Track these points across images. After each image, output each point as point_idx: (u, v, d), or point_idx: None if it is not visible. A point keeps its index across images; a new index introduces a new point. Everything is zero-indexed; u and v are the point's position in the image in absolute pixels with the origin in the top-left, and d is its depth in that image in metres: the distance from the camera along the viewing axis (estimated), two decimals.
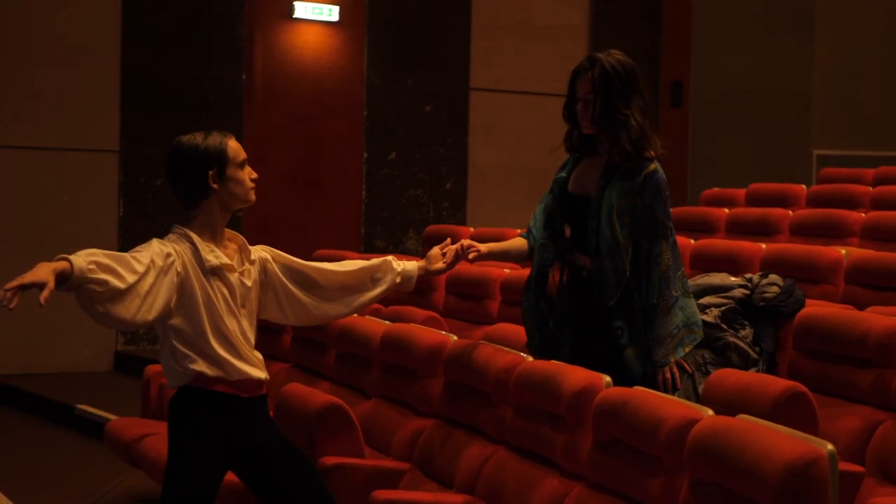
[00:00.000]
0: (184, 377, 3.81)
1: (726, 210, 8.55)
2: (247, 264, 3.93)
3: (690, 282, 4.86)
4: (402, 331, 5.15)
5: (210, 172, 3.82)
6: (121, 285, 3.56)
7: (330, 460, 4.58)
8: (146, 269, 3.65)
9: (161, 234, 3.93)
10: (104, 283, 3.52)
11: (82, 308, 3.57)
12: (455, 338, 4.88)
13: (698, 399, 4.28)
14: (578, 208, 4.39)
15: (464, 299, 6.86)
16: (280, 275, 4.03)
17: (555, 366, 4.12)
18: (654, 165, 4.29)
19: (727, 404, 4.04)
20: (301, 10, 10.99)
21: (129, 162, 10.28)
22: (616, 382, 4.01)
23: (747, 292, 4.83)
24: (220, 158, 3.84)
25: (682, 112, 12.68)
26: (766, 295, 4.84)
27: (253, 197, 3.93)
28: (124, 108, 10.29)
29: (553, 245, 4.46)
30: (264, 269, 4.01)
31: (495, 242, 4.61)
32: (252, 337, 3.94)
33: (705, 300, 4.78)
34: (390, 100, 11.36)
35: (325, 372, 5.87)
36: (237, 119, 10.72)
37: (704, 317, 4.64)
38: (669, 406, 3.52)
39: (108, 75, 10.26)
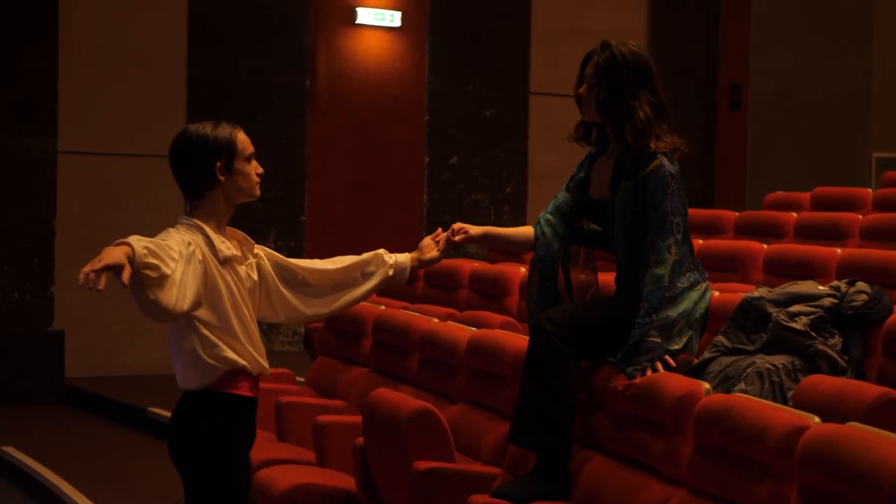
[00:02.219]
0: (213, 372, 3.70)
1: (794, 214, 8.55)
2: (251, 258, 3.88)
3: (779, 290, 4.88)
4: (490, 337, 5.20)
5: (218, 164, 3.75)
6: (167, 271, 3.51)
7: (423, 465, 4.62)
8: (179, 257, 3.58)
9: None
10: (157, 267, 3.47)
11: (133, 294, 3.49)
12: None
13: (787, 405, 4.30)
14: (599, 212, 4.46)
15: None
16: (272, 274, 3.96)
17: (651, 374, 4.16)
18: (660, 160, 4.25)
19: (820, 410, 4.05)
20: (364, 16, 11.09)
21: None
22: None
23: (836, 301, 4.84)
24: (228, 150, 3.78)
25: (741, 115, 12.68)
26: (855, 303, 4.84)
27: (258, 192, 3.86)
28: (190, 113, 10.41)
29: (560, 241, 4.52)
30: (259, 268, 3.94)
31: (503, 228, 4.62)
32: (258, 331, 3.86)
33: (794, 308, 4.79)
34: (451, 105, 11.43)
35: (407, 377, 5.92)
36: (301, 124, 10.83)
37: (794, 324, 4.66)
38: (775, 413, 3.56)
39: (174, 81, 10.40)
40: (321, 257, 11.35)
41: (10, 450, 7.99)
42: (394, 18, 11.19)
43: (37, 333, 9.76)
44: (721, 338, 4.90)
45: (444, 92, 11.45)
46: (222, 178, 3.75)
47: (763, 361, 4.59)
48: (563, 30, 12.02)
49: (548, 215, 4.60)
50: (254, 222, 10.05)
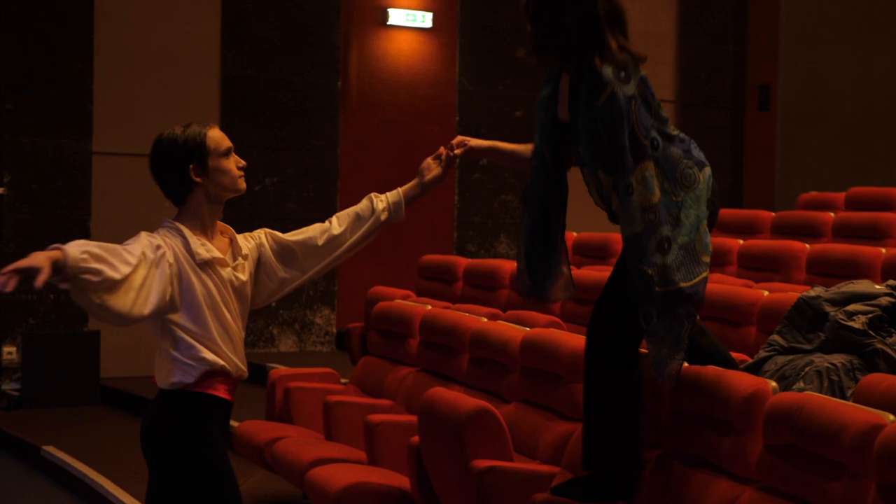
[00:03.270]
0: (193, 371, 3.66)
1: (831, 214, 8.55)
2: (240, 259, 3.82)
3: (834, 289, 4.88)
4: (545, 336, 5.21)
5: (191, 166, 3.70)
6: (116, 276, 3.44)
7: (481, 463, 4.63)
8: (138, 262, 3.53)
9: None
10: (98, 272, 3.40)
11: (78, 301, 3.44)
12: None
13: None
14: (568, 134, 4.16)
15: (582, 304, 6.92)
16: (273, 259, 3.91)
17: (718, 371, 4.17)
18: (610, 89, 3.89)
19: (883, 408, 4.06)
20: (395, 17, 11.11)
21: None
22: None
23: (893, 300, 4.85)
24: (199, 151, 3.71)
25: (770, 116, 12.67)
26: None
27: (242, 185, 3.79)
28: (223, 114, 10.45)
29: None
30: (259, 257, 3.90)
31: (510, 143, 4.39)
32: (243, 334, 3.83)
33: (852, 307, 4.80)
34: (482, 105, 11.45)
35: (456, 376, 5.94)
36: (334, 125, 10.85)
37: (852, 323, 4.67)
38: (849, 411, 3.57)
39: (207, 83, 10.44)
40: (353, 257, 11.36)
41: (51, 449, 8.02)
42: (425, 19, 11.21)
43: (73, 334, 9.80)
44: (776, 337, 4.91)
45: (474, 92, 11.47)
46: (199, 179, 3.72)
47: (821, 360, 4.60)
48: None
49: (536, 136, 4.33)
50: (286, 223, 10.07)
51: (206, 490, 3.71)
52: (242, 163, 3.81)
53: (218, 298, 3.71)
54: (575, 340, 5.01)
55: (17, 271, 3.21)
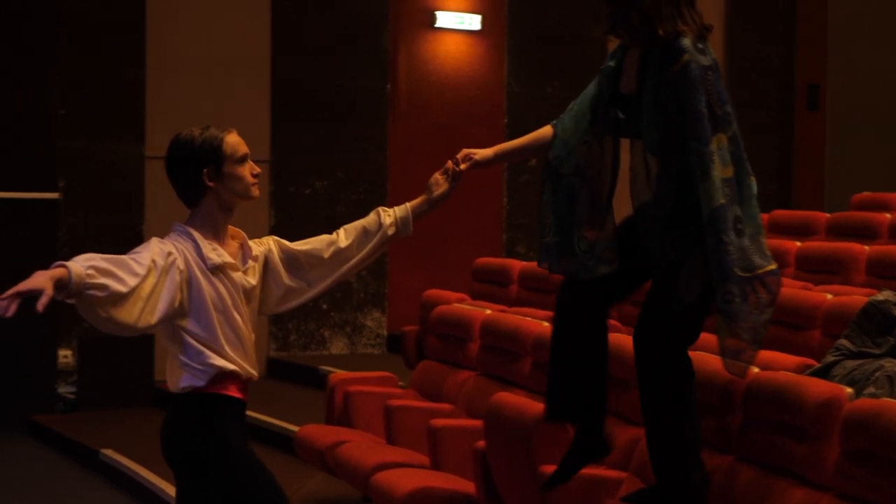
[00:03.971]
0: (203, 375, 3.68)
1: (887, 215, 8.49)
2: (250, 262, 3.83)
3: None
4: (611, 341, 5.20)
5: (205, 170, 3.70)
6: (122, 289, 3.43)
7: (549, 468, 4.64)
8: (147, 271, 3.52)
9: None
10: (104, 287, 3.39)
11: (84, 314, 3.44)
12: None
13: None
14: (629, 108, 4.10)
15: (637, 306, 6.90)
16: (280, 265, 3.92)
17: (792, 377, 4.16)
18: (689, 55, 3.89)
19: None
20: (443, 20, 11.12)
21: (280, 171, 10.50)
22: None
23: None
24: (215, 155, 3.71)
25: (819, 115, 12.61)
26: None
27: (254, 193, 3.80)
28: (274, 118, 10.51)
29: (589, 133, 4.18)
30: (266, 263, 3.91)
31: (516, 140, 4.38)
32: (253, 337, 3.84)
33: None
34: (530, 107, 11.44)
35: (518, 381, 5.94)
36: (383, 127, 10.89)
37: None
38: None
39: (257, 87, 10.49)
40: (402, 260, 11.33)
41: (109, 452, 8.09)
42: (473, 22, 11.22)
43: (127, 337, 9.83)
44: (844, 341, 4.89)
45: (522, 94, 11.46)
46: (212, 183, 3.72)
47: (892, 364, 4.58)
48: None
49: (574, 107, 4.29)
50: (336, 226, 10.00)
51: (237, 485, 3.72)
52: (257, 170, 3.83)
53: (229, 303, 3.73)
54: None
55: (19, 294, 3.21)
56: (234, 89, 10.37)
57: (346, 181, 10.73)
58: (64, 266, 3.34)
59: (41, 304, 3.21)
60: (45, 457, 8.82)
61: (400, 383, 7.09)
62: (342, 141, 10.71)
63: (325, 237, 3.99)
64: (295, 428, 7.53)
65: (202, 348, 3.67)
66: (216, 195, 3.73)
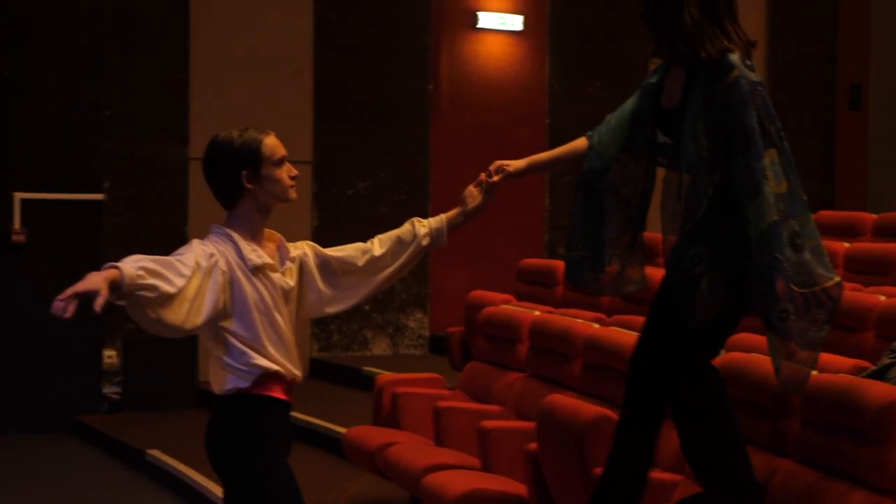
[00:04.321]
0: (247, 376, 3.68)
1: None
2: (288, 263, 3.84)
3: None
4: None
5: (243, 172, 3.71)
6: (171, 290, 3.45)
7: (601, 471, 4.62)
8: (192, 272, 3.53)
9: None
10: (155, 288, 3.41)
11: (133, 315, 3.47)
12: (723, 351, 4.90)
13: None
14: (669, 124, 4.04)
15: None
16: (314, 270, 3.92)
17: (851, 380, 4.13)
18: (738, 71, 3.85)
19: None
20: (485, 20, 11.12)
21: (323, 172, 10.52)
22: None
23: None
24: (253, 158, 3.72)
25: (862, 116, 12.51)
26: None
27: (292, 195, 3.81)
28: (317, 119, 10.54)
29: (626, 150, 4.13)
30: (301, 266, 3.91)
31: (548, 151, 4.36)
32: (293, 338, 3.84)
33: None
34: (572, 107, 11.41)
35: (568, 382, 5.93)
36: (425, 128, 10.90)
37: None
38: None
39: (301, 87, 10.53)
40: (444, 261, 11.31)
41: (155, 453, 8.12)
42: (515, 22, 11.21)
43: (171, 339, 9.87)
44: None
45: (564, 95, 11.44)
46: (250, 185, 3.73)
47: None
48: None
49: (613, 120, 4.23)
50: (379, 226, 10.00)
51: (270, 491, 3.70)
52: (294, 172, 3.83)
53: (270, 303, 3.73)
54: None
55: (76, 295, 3.22)
56: (277, 90, 10.41)
57: (388, 182, 10.74)
58: (116, 267, 3.37)
59: (98, 305, 3.23)
60: (90, 457, 8.89)
61: (447, 384, 7.08)
62: (384, 141, 10.72)
63: (359, 245, 3.99)
64: (339, 428, 7.58)
65: (245, 349, 3.67)
66: (254, 197, 3.74)
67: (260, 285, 3.72)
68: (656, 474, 4.78)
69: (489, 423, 5.68)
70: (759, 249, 3.85)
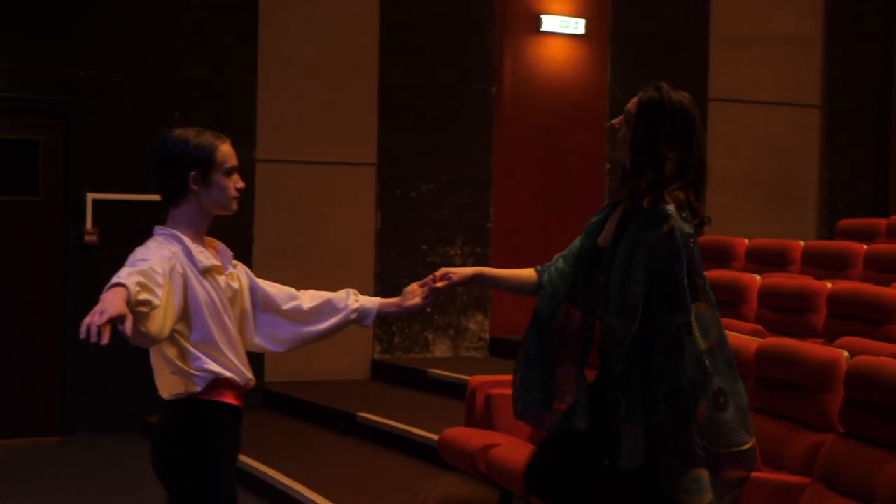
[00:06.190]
0: (199, 381, 3.63)
1: None
2: (231, 268, 3.82)
3: None
4: (786, 346, 5.19)
5: (192, 173, 3.68)
6: (157, 302, 3.39)
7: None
8: (164, 280, 3.46)
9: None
10: (148, 303, 3.34)
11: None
12: (846, 353, 4.90)
13: None
14: (601, 262, 3.94)
15: (782, 312, 6.88)
16: (246, 289, 3.89)
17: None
18: (673, 221, 3.69)
19: None
20: (548, 24, 11.14)
21: (387, 175, 10.52)
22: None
23: None
24: (206, 161, 3.69)
25: None
26: None
27: (234, 206, 3.79)
28: (381, 121, 10.55)
29: (570, 294, 3.99)
30: (239, 279, 3.87)
31: (498, 269, 4.24)
32: (241, 341, 3.80)
33: None
34: None
35: None
36: (488, 131, 10.90)
37: None
38: None
39: (366, 90, 10.54)
40: (503, 263, 11.31)
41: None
42: (578, 26, 11.22)
43: None
44: None
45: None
46: (195, 187, 3.70)
47: None
48: (742, 35, 11.98)
49: (561, 260, 4.10)
50: (441, 229, 10.13)
51: (220, 501, 3.67)
52: (241, 185, 3.79)
53: (220, 306, 3.69)
54: (822, 351, 5.00)
55: (111, 320, 3.10)
56: (343, 92, 10.43)
57: (450, 184, 10.74)
58: (123, 285, 3.26)
59: (129, 329, 3.17)
60: None
61: None
62: (447, 144, 10.73)
63: (289, 290, 3.97)
64: (410, 429, 7.60)
65: (198, 353, 3.63)
66: (198, 199, 3.72)
67: (209, 287, 3.67)
68: (783, 477, 4.79)
69: None
70: (668, 404, 3.68)
